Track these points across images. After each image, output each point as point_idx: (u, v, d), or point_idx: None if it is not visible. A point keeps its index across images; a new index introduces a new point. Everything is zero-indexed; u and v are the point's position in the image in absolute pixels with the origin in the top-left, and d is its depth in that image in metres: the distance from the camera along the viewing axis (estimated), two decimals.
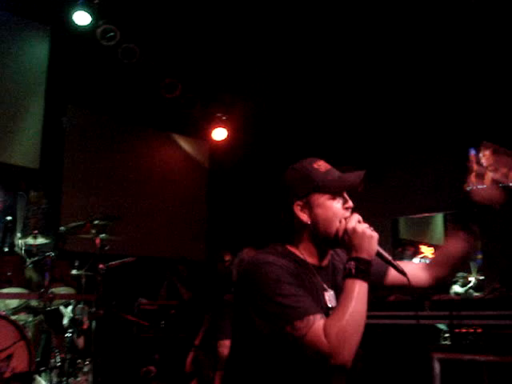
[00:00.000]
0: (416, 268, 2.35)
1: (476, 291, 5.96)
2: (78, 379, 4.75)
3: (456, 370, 4.07)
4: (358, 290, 1.90)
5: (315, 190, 2.08)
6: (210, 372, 4.98)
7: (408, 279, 2.06)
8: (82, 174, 7.30)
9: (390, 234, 7.56)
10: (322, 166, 2.14)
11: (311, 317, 1.83)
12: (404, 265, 2.19)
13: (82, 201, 7.04)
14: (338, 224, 2.05)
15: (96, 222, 5.62)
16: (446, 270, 2.34)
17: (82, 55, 6.77)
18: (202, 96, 7.69)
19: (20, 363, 4.79)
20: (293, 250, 2.12)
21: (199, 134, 8.32)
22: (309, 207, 2.09)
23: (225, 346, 4.30)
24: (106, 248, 5.52)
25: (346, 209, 2.09)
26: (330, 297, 2.09)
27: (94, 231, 5.61)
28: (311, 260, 2.11)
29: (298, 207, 2.10)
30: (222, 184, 8.69)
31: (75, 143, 7.30)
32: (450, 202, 6.82)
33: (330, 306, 2.06)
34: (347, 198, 2.11)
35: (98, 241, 5.63)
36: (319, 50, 6.63)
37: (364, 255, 1.95)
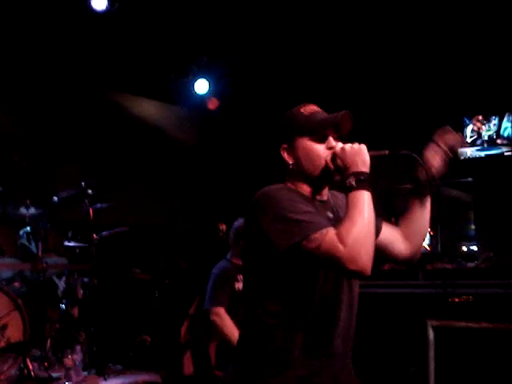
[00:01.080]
0: (398, 236, 2.36)
1: (467, 260, 5.98)
2: (73, 349, 4.75)
3: (450, 336, 4.10)
4: (363, 198, 1.94)
5: (297, 133, 2.14)
6: (205, 342, 5.00)
7: (416, 158, 2.16)
8: (74, 141, 7.22)
9: (382, 204, 7.58)
10: (307, 109, 2.19)
11: (324, 229, 1.87)
12: (391, 229, 2.31)
13: (75, 169, 6.98)
14: (321, 163, 2.10)
15: (89, 191, 5.60)
16: (416, 245, 2.37)
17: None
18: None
19: (14, 333, 4.81)
20: (291, 186, 2.17)
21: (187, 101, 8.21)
22: (293, 150, 2.16)
23: (217, 314, 4.32)
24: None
25: (329, 149, 2.11)
26: None
27: (87, 201, 5.60)
28: (308, 194, 2.16)
29: (284, 150, 2.18)
30: (212, 154, 8.65)
31: (67, 113, 7.23)
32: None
33: None
34: (331, 138, 2.13)
35: (91, 211, 5.62)
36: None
37: (360, 167, 1.99)
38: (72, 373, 4.54)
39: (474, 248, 6.40)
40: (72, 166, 7.03)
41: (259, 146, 8.20)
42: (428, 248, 6.68)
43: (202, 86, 7.67)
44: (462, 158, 6.81)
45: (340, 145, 2.08)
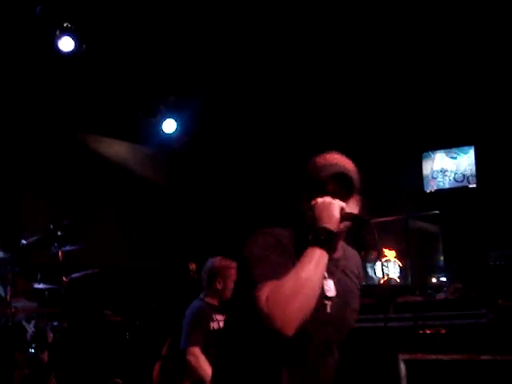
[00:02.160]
0: None
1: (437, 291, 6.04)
2: None
3: (422, 370, 4.12)
4: (311, 255, 1.88)
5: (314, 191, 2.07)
6: (178, 382, 4.95)
7: (371, 226, 2.05)
8: (42, 183, 7.18)
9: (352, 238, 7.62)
10: (321, 161, 2.13)
11: (274, 281, 1.83)
12: None
13: (43, 210, 6.92)
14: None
15: (58, 233, 5.55)
16: None
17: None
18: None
19: None
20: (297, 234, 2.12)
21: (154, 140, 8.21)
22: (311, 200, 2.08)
23: (193, 354, 4.29)
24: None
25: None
26: (328, 285, 2.07)
27: (56, 243, 5.55)
28: None
29: (305, 208, 2.09)
30: (183, 195, 8.65)
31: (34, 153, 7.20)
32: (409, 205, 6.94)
33: (328, 295, 2.05)
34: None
35: (60, 253, 5.57)
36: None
37: (324, 223, 1.93)
38: None
39: (444, 279, 6.48)
40: (40, 207, 6.99)
41: (227, 184, 8.26)
42: (398, 280, 6.75)
43: (169, 126, 7.69)
44: (429, 191, 6.94)
45: (319, 199, 2.01)
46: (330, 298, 2.05)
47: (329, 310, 2.05)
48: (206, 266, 4.69)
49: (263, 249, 1.97)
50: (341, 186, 2.06)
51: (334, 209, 1.96)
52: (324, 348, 2.09)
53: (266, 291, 1.81)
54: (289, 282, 1.82)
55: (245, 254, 2.00)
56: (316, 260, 1.87)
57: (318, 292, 1.87)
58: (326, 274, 2.06)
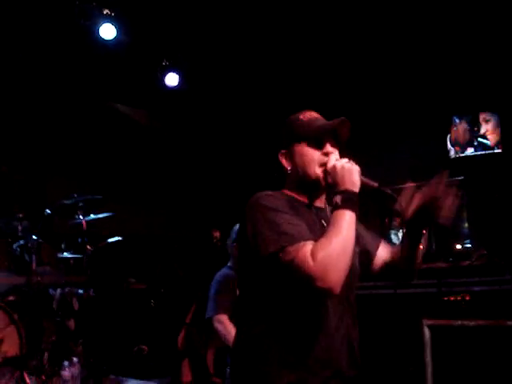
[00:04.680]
0: (384, 249, 2.43)
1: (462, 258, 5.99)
2: (71, 361, 4.73)
3: (446, 335, 4.11)
4: (345, 218, 1.94)
5: (295, 139, 2.19)
6: (203, 349, 4.99)
7: (397, 202, 2.13)
8: (65, 155, 7.21)
9: (376, 205, 7.58)
10: (306, 115, 2.24)
11: (301, 242, 1.88)
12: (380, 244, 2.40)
13: (67, 181, 6.96)
14: (316, 169, 2.13)
15: (81, 203, 5.59)
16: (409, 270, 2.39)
17: None
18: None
19: (11, 348, 4.78)
20: (287, 192, 2.22)
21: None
22: (291, 156, 2.20)
23: (221, 322, 4.28)
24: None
25: (325, 154, 2.14)
26: None
27: (80, 212, 5.59)
28: (304, 200, 2.20)
29: (283, 156, 2.23)
30: (206, 163, 8.64)
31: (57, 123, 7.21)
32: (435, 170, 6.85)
33: None
34: (328, 145, 2.16)
35: (84, 222, 5.61)
36: None
37: (348, 186, 2.00)
38: None
39: (468, 245, 6.42)
40: (64, 176, 7.03)
41: (253, 152, 8.23)
42: (422, 247, 6.70)
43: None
44: (453, 156, 6.84)
45: (332, 160, 2.10)
46: None
47: None
48: (231, 234, 4.66)
49: (274, 212, 2.00)
50: (332, 138, 2.17)
51: (355, 174, 2.04)
52: (346, 293, 2.11)
53: (307, 252, 1.85)
54: (333, 242, 1.87)
55: (257, 217, 2.00)
56: (350, 222, 1.94)
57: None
58: (323, 222, 2.16)
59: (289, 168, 2.21)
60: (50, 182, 7.00)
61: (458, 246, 6.45)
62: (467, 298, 4.48)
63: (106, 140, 7.61)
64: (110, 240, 5.82)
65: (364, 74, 7.25)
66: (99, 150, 7.52)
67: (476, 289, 4.94)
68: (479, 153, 6.80)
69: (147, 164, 8.07)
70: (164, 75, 7.18)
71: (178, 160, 8.44)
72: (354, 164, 2.06)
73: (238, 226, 4.63)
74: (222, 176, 8.51)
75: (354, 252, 1.99)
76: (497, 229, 6.18)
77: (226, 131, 8.49)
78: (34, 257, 5.24)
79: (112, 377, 5.17)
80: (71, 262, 5.78)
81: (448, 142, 6.94)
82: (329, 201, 2.21)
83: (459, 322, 4.08)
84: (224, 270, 4.56)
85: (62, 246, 5.75)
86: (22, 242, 5.47)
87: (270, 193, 2.12)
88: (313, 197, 2.21)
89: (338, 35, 6.68)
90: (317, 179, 2.13)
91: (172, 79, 7.17)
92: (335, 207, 1.98)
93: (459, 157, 6.84)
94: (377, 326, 4.82)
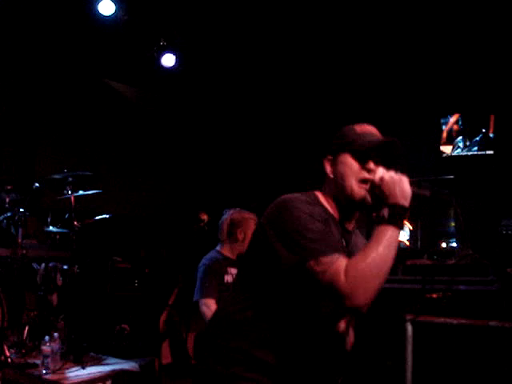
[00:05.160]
0: None
1: (447, 257, 6.03)
2: (51, 336, 4.72)
3: (428, 331, 4.13)
4: (388, 234, 1.86)
5: (342, 147, 2.11)
6: (184, 332, 4.99)
7: (457, 209, 2.25)
8: (57, 130, 7.16)
9: None
10: (362, 128, 2.15)
11: (336, 255, 1.83)
12: None
13: (57, 156, 6.92)
14: (353, 183, 2.05)
15: (70, 179, 5.56)
16: None
17: None
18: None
19: None
20: (321, 198, 2.15)
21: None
22: (335, 163, 2.13)
23: (207, 305, 4.26)
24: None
25: (366, 170, 2.05)
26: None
27: (68, 188, 5.55)
28: (335, 215, 2.13)
29: (328, 161, 2.17)
30: (195, 145, 8.60)
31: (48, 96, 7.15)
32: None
33: None
34: (371, 161, 2.07)
35: (72, 198, 5.58)
36: None
37: (398, 200, 1.91)
38: (49, 360, 4.50)
39: (454, 244, 6.46)
40: (54, 152, 6.98)
41: (245, 136, 8.22)
42: (407, 243, 6.73)
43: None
44: (444, 155, 6.87)
45: (380, 171, 1.99)
46: None
47: None
48: (223, 217, 4.62)
49: (310, 218, 1.92)
50: (383, 157, 2.08)
51: (405, 184, 1.94)
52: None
53: (340, 267, 1.80)
54: (369, 260, 1.80)
55: (292, 220, 1.93)
56: (393, 240, 1.86)
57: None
58: (344, 243, 2.11)
59: (331, 175, 2.13)
60: (40, 155, 6.95)
61: (444, 245, 6.50)
62: (450, 297, 4.51)
63: (98, 117, 7.58)
64: (98, 217, 5.80)
65: (356, 73, 7.26)
66: (91, 127, 7.49)
67: (459, 288, 4.97)
68: (470, 153, 6.83)
69: (139, 144, 8.04)
70: (161, 55, 7.14)
71: (169, 141, 8.41)
72: (402, 174, 1.96)
73: (229, 211, 4.63)
74: (213, 159, 8.49)
75: None
76: (483, 230, 6.22)
77: (218, 114, 8.46)
78: (20, 230, 5.22)
79: (92, 354, 5.17)
80: (57, 237, 5.75)
81: (440, 141, 6.96)
82: (369, 218, 2.08)
83: (442, 320, 4.11)
84: (212, 254, 4.52)
85: (49, 220, 5.71)
86: (8, 214, 5.44)
87: (304, 198, 2.04)
88: (344, 215, 2.13)
89: (329, 34, 6.68)
90: (351, 194, 2.05)
91: (169, 60, 7.13)
92: (379, 221, 1.89)
93: (450, 156, 6.87)
94: (359, 319, 4.84)
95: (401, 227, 1.88)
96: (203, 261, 4.47)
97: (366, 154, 2.06)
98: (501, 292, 4.82)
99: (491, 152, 6.68)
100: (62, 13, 6.35)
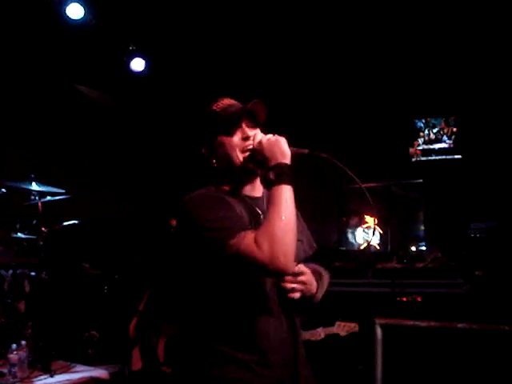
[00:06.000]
0: None
1: (416, 260, 6.09)
2: (19, 344, 4.64)
3: (397, 335, 4.16)
4: (283, 193, 1.89)
5: (213, 132, 2.13)
6: (154, 338, 4.95)
7: (338, 164, 2.06)
8: (23, 132, 7.06)
9: (335, 203, 7.64)
10: (219, 105, 2.17)
11: (242, 232, 1.85)
12: None
13: (25, 161, 6.83)
14: (239, 155, 2.06)
15: (38, 184, 5.50)
16: None
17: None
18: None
19: None
20: (215, 185, 2.16)
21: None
22: (213, 150, 2.14)
23: None
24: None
25: (244, 139, 2.08)
26: None
27: (36, 193, 5.49)
28: (236, 192, 2.13)
29: (206, 151, 2.18)
30: (164, 149, 8.57)
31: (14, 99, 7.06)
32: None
33: None
34: (245, 128, 2.09)
35: (40, 204, 5.52)
36: None
37: (279, 159, 1.95)
38: (17, 369, 4.43)
39: (423, 248, 6.53)
40: (22, 157, 6.89)
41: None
42: (378, 247, 6.79)
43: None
44: (413, 160, 6.94)
45: (258, 137, 2.05)
46: None
47: None
48: None
49: (206, 211, 1.94)
50: (250, 121, 2.10)
51: (283, 144, 1.98)
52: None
53: (249, 240, 1.83)
54: (275, 223, 1.84)
55: (194, 216, 1.96)
56: (289, 196, 1.90)
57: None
58: (259, 211, 2.11)
59: (214, 162, 2.15)
60: (7, 160, 6.85)
61: (413, 248, 6.56)
62: (419, 300, 4.55)
63: (67, 121, 7.49)
64: (66, 223, 5.74)
65: (328, 76, 7.28)
66: (60, 131, 7.40)
67: (429, 291, 5.02)
68: (439, 157, 6.91)
69: (109, 149, 7.98)
70: (130, 60, 7.10)
71: (140, 146, 8.37)
72: (279, 136, 2.01)
73: None
74: (183, 164, 8.45)
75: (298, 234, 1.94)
76: (452, 233, 6.30)
77: (187, 118, 8.43)
78: None
79: (60, 362, 5.10)
80: (25, 243, 5.67)
81: (408, 145, 7.02)
82: (266, 185, 2.10)
83: (411, 323, 4.14)
84: None
85: (17, 226, 5.63)
86: None
87: (200, 192, 2.07)
88: (243, 186, 2.15)
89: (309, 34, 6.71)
90: (242, 165, 2.07)
91: (138, 64, 7.10)
92: (270, 184, 1.93)
93: (419, 160, 6.93)
94: (329, 323, 4.85)
95: (291, 183, 1.91)
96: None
97: (235, 126, 2.08)
98: (469, 294, 4.89)
99: (458, 157, 6.76)
100: (30, 16, 6.27)
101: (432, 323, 4.06)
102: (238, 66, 7.47)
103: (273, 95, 7.57)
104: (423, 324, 4.09)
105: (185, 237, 2.00)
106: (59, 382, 4.54)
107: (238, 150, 2.07)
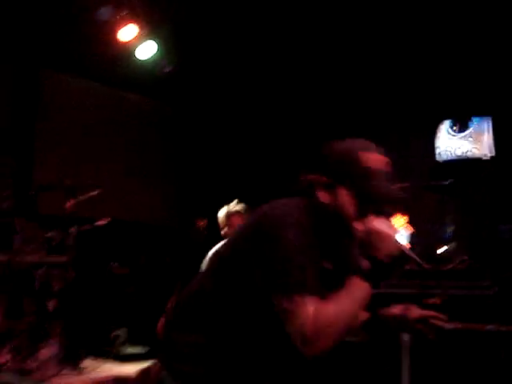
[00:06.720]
0: None
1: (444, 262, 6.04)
2: (49, 342, 4.72)
3: (425, 338, 4.14)
4: (362, 290, 1.79)
5: (349, 182, 1.95)
6: None
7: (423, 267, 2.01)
8: (55, 136, 7.14)
9: None
10: (373, 162, 2.00)
11: (308, 296, 1.72)
12: None
13: (55, 163, 6.91)
14: (353, 213, 1.93)
15: (68, 185, 5.57)
16: None
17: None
18: None
19: None
20: (317, 203, 1.98)
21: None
22: (333, 192, 1.97)
23: None
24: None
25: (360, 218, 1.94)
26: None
27: (66, 194, 5.56)
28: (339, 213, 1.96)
29: (323, 182, 1.99)
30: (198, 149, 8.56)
31: (50, 105, 7.13)
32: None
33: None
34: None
35: (69, 204, 5.58)
36: None
37: (380, 257, 1.84)
38: (47, 366, 4.50)
39: (451, 250, 6.46)
40: (52, 158, 6.97)
41: (240, 139, 8.20)
42: (408, 246, 6.74)
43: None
44: (442, 160, 6.85)
45: (371, 222, 1.88)
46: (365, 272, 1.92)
47: None
48: (220, 210, 4.75)
49: (295, 248, 1.78)
50: (389, 210, 1.99)
51: (392, 244, 1.87)
52: None
53: (309, 311, 1.71)
54: (339, 313, 1.74)
55: (273, 242, 1.81)
56: (365, 296, 1.81)
57: None
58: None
59: (322, 193, 1.97)
60: (38, 161, 6.94)
61: (441, 250, 6.50)
62: (447, 301, 4.52)
63: (98, 119, 7.52)
64: (97, 223, 5.80)
65: (352, 75, 7.23)
66: (90, 130, 7.42)
67: (456, 292, 4.98)
68: (468, 157, 6.82)
69: (141, 148, 8.00)
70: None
71: (172, 146, 8.39)
72: (392, 229, 1.88)
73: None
74: (214, 166, 8.44)
75: None
76: (481, 235, 6.24)
77: (213, 118, 8.42)
78: (17, 236, 5.21)
79: (89, 359, 5.17)
80: (55, 242, 5.75)
81: (438, 146, 6.95)
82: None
83: (438, 325, 4.11)
84: (217, 246, 4.58)
85: (47, 225, 5.71)
86: (6, 219, 5.44)
87: (295, 217, 1.86)
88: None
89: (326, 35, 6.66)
90: (352, 219, 1.93)
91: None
92: (357, 271, 1.81)
93: (447, 160, 6.86)
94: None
95: (375, 284, 1.81)
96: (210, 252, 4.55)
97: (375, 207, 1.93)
98: (497, 296, 4.84)
99: (489, 157, 6.66)
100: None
101: (459, 325, 4.04)
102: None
103: (295, 96, 7.57)
104: (450, 326, 4.05)
105: (253, 250, 1.86)
106: (88, 379, 4.60)
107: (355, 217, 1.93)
